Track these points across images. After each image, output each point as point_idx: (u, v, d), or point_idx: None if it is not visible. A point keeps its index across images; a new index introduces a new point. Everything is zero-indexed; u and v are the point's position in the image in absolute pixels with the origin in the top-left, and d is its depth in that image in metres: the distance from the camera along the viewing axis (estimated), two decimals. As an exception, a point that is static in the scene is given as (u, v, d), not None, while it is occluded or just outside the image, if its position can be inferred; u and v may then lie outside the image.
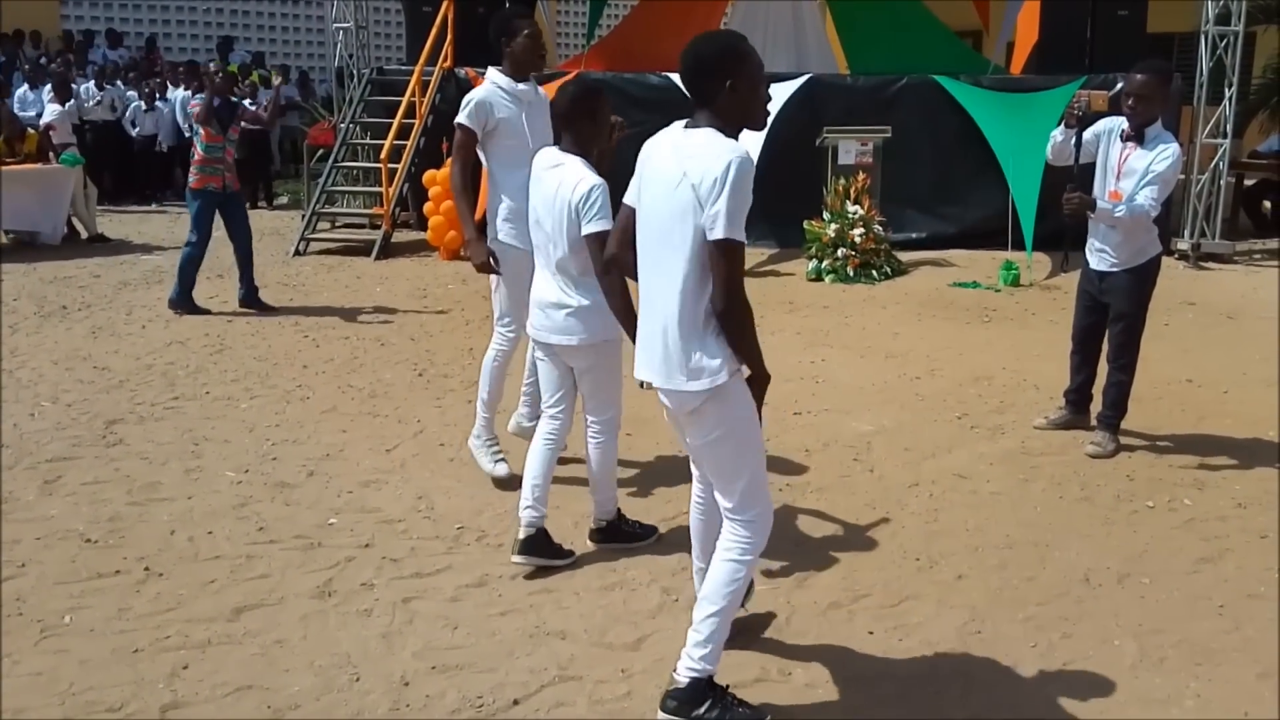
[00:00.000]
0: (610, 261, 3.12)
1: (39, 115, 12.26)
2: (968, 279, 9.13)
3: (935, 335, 7.31)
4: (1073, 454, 4.97)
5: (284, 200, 14.57)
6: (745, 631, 3.26)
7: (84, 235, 10.97)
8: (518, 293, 4.26)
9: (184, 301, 7.76)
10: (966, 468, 4.81)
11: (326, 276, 9.33)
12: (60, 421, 5.32)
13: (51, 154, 10.87)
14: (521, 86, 4.42)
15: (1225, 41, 10.37)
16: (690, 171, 2.62)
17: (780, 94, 10.43)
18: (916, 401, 5.80)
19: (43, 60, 14.70)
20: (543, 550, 3.78)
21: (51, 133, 11.49)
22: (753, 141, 10.03)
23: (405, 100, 10.98)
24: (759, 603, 3.52)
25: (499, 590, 3.63)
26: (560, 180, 3.54)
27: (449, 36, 11.33)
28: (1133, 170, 4.66)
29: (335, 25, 12.67)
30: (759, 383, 2.79)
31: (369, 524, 4.16)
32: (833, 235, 9.24)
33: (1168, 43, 14.85)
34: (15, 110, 12.08)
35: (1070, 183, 4.63)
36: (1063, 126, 4.82)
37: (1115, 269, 4.83)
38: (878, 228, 9.33)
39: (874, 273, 9.20)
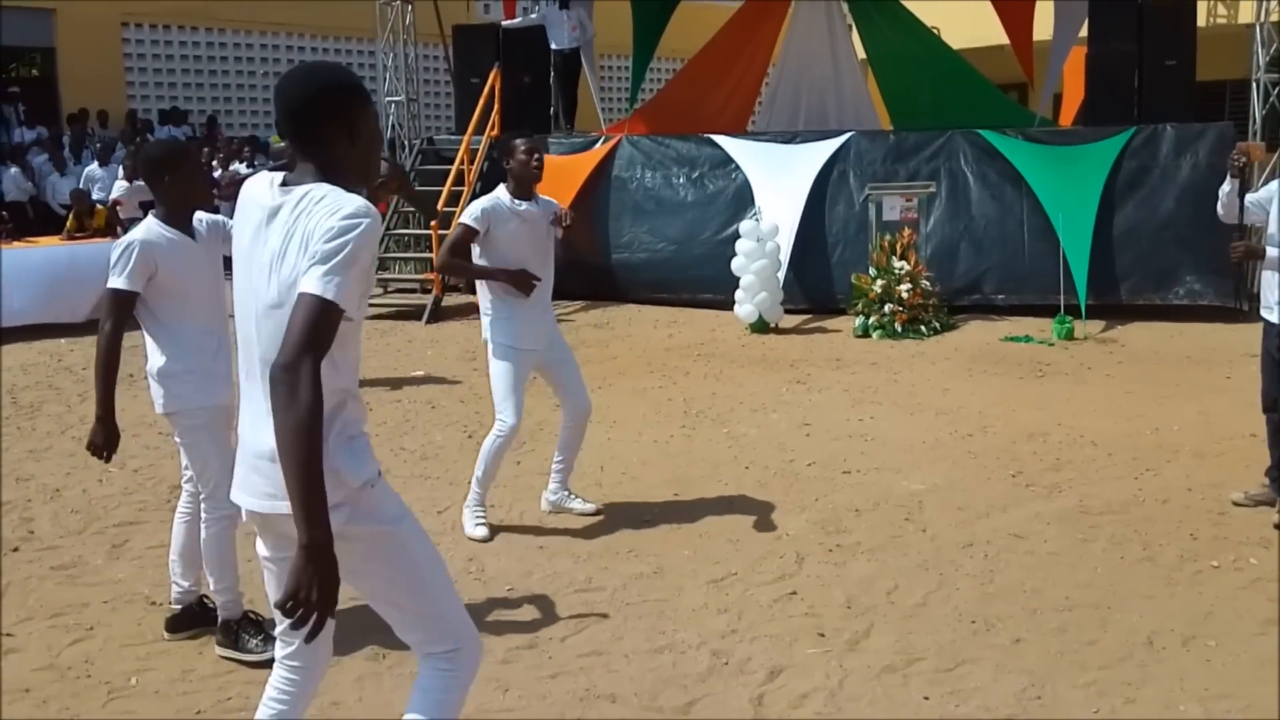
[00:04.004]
0: None
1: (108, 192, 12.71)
2: (1020, 333, 9.04)
3: (987, 391, 7.24)
4: (1133, 513, 4.87)
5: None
6: None
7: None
8: (507, 383, 4.58)
9: None
10: (1022, 527, 4.73)
11: (379, 341, 9.49)
12: (127, 487, 5.45)
13: (120, 228, 11.25)
14: (523, 206, 4.55)
15: (1278, 88, 10.29)
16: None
17: (823, 151, 10.54)
18: (969, 459, 5.73)
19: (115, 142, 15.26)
20: (191, 625, 3.77)
21: (119, 207, 11.90)
22: (794, 200, 10.17)
23: (455, 168, 11.27)
24: (811, 665, 3.49)
25: (549, 653, 3.63)
26: None
27: (496, 106, 11.64)
28: None
29: (387, 98, 13.05)
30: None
31: (421, 587, 4.19)
32: (879, 291, 9.23)
33: (1219, 90, 14.72)
34: (84, 187, 12.55)
35: (1237, 231, 4.76)
36: (1229, 179, 4.83)
37: None
38: (925, 283, 9.31)
39: (922, 328, 9.16)
